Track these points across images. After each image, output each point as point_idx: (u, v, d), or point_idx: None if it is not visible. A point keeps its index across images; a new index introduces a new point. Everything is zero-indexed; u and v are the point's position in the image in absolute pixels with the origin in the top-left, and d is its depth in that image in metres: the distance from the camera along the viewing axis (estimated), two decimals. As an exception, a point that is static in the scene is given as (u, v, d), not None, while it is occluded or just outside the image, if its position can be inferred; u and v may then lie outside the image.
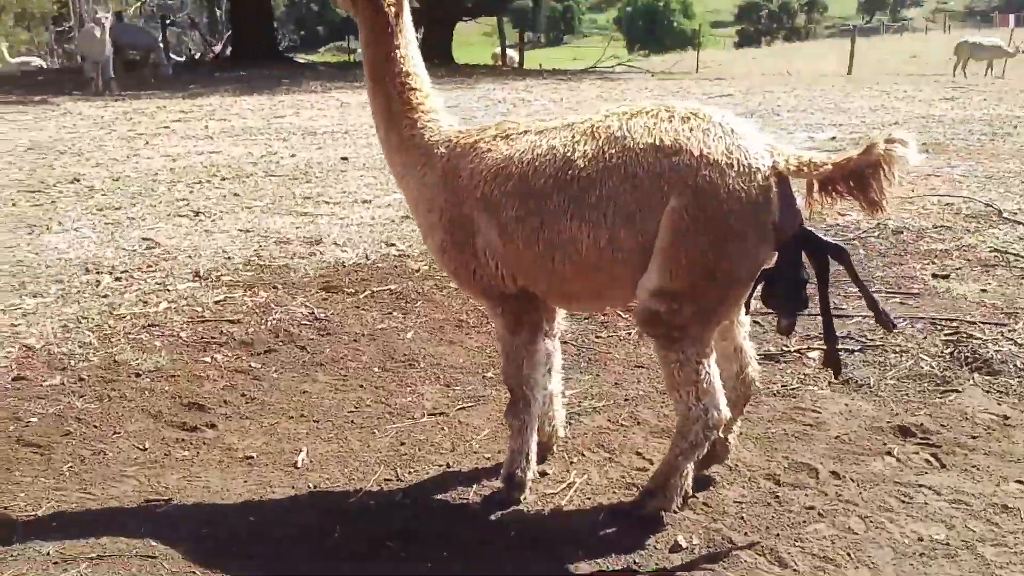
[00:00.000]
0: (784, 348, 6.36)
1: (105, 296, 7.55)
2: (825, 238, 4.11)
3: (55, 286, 7.80)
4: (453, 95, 21.24)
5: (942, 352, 6.31)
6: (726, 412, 4.36)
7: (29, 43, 60.51)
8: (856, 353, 6.34)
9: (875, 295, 4.23)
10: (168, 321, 7.03)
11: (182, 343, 6.66)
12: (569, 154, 4.18)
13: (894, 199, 4.00)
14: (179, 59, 37.80)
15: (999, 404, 5.62)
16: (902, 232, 9.13)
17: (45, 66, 41.35)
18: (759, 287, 4.11)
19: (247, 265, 8.35)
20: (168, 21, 57.25)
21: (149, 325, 6.95)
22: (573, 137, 4.24)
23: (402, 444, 5.31)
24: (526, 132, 4.45)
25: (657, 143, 4.01)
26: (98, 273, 8.14)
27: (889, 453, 5.10)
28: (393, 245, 8.94)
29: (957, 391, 5.78)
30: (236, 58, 34.91)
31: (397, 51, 4.60)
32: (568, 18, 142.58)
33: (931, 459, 5.04)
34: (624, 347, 6.62)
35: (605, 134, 4.16)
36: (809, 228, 4.06)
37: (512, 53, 44.52)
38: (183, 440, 5.36)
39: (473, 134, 4.58)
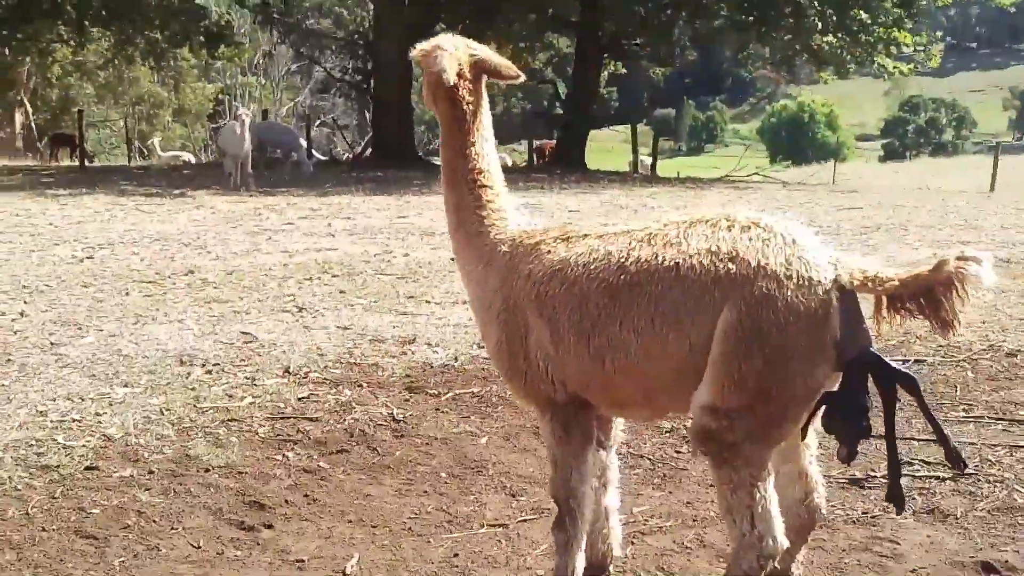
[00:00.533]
0: (870, 473, 6.05)
1: (193, 389, 7.62)
2: (893, 364, 3.89)
3: (146, 377, 7.91)
4: (576, 199, 21.35)
5: (1039, 484, 5.95)
6: (783, 541, 4.07)
7: (185, 138, 63.06)
8: (947, 482, 6.01)
9: (946, 430, 3.97)
10: (248, 416, 7.05)
11: (257, 440, 6.66)
12: (623, 259, 4.08)
13: (968, 318, 3.74)
14: (322, 158, 38.77)
15: (1095, 543, 5.25)
16: (1016, 355, 8.72)
17: (195, 161, 42.84)
18: (820, 410, 3.92)
19: (337, 362, 8.37)
20: (318, 122, 59.14)
21: (229, 420, 6.97)
22: (630, 243, 4.13)
23: (455, 555, 5.16)
24: (587, 236, 4.37)
25: (713, 249, 3.90)
26: (191, 365, 8.24)
27: (967, 591, 4.78)
28: (483, 347, 8.86)
29: (1049, 527, 5.42)
30: (376, 159, 35.70)
31: (472, 148, 4.63)
32: (710, 128, 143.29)
33: (1013, 599, 4.71)
34: (703, 464, 6.38)
35: (662, 240, 4.05)
36: (876, 352, 3.83)
37: (646, 160, 44.68)
38: (238, 540, 5.31)
39: (536, 235, 4.52)
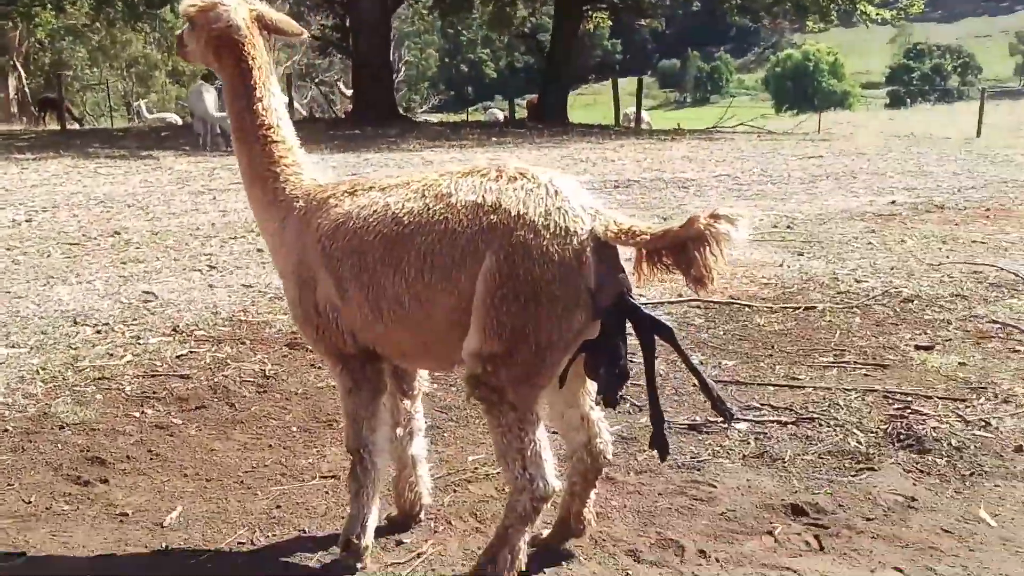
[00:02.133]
0: (710, 419, 6.10)
1: (75, 348, 7.69)
2: (651, 312, 3.96)
3: (36, 337, 7.98)
4: (537, 153, 21.31)
5: (877, 428, 5.99)
6: (555, 483, 4.16)
7: (184, 99, 62.92)
8: (789, 426, 6.06)
9: (710, 380, 4.05)
10: (121, 375, 7.11)
11: (122, 397, 6.73)
12: (398, 211, 4.16)
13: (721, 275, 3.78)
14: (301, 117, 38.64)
15: (914, 484, 5.29)
16: (913, 300, 8.75)
17: (180, 123, 42.74)
18: (579, 356, 3.98)
19: (228, 320, 8.42)
20: (316, 80, 58.95)
21: (100, 379, 7.04)
22: (407, 195, 4.21)
23: (278, 507, 5.23)
24: (371, 188, 4.43)
25: (479, 201, 3.99)
26: (83, 325, 8.30)
27: (770, 533, 4.83)
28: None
29: (874, 469, 5.46)
30: (356, 117, 35.57)
31: (259, 103, 4.66)
32: (715, 78, 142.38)
33: (812, 540, 4.76)
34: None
35: (434, 192, 4.13)
36: (632, 300, 3.92)
37: (644, 114, 44.29)
38: (70, 495, 5.39)
39: (328, 189, 4.57)
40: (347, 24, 38.50)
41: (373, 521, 4.63)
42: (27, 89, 53.25)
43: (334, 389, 6.74)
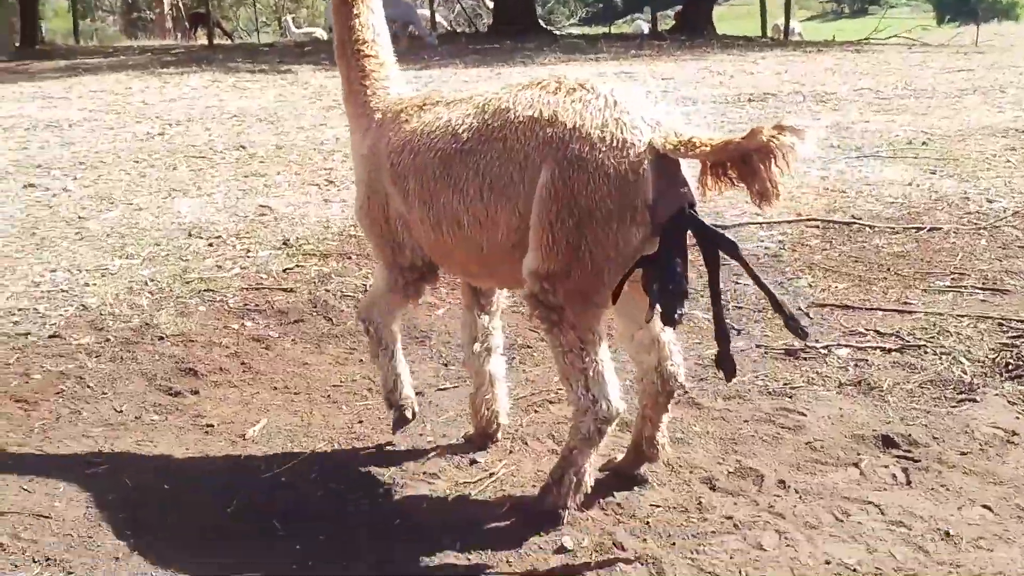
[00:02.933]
0: (809, 344, 5.87)
1: (186, 260, 7.81)
2: (712, 227, 3.79)
3: (149, 249, 8.12)
4: (673, 66, 20.82)
5: (986, 357, 5.68)
6: (619, 404, 4.06)
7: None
8: (892, 353, 5.80)
9: (782, 298, 3.82)
10: (226, 287, 7.19)
11: (224, 309, 6.81)
12: (458, 127, 4.14)
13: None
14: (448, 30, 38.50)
15: (1016, 419, 5.00)
16: (1046, 221, 8.29)
17: (325, 38, 43.01)
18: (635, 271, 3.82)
19: (338, 235, 8.43)
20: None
21: (205, 290, 7.13)
22: (467, 110, 4.17)
23: (360, 422, 5.25)
24: (437, 103, 4.44)
25: (536, 115, 3.90)
26: (197, 237, 8.42)
27: (856, 464, 4.64)
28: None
29: (975, 401, 5.19)
30: (496, 29, 35.27)
31: (357, 19, 4.71)
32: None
33: (900, 474, 4.56)
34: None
35: (494, 107, 4.06)
36: (694, 215, 3.75)
37: (794, 25, 42.87)
38: (160, 405, 5.48)
39: (403, 103, 4.56)
40: (490, -65, 38.02)
41: (403, 378, 4.89)
42: (181, 4, 54.15)
43: (431, 306, 6.77)
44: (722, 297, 3.88)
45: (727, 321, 3.96)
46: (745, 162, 3.56)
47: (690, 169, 3.81)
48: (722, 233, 3.80)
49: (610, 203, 3.74)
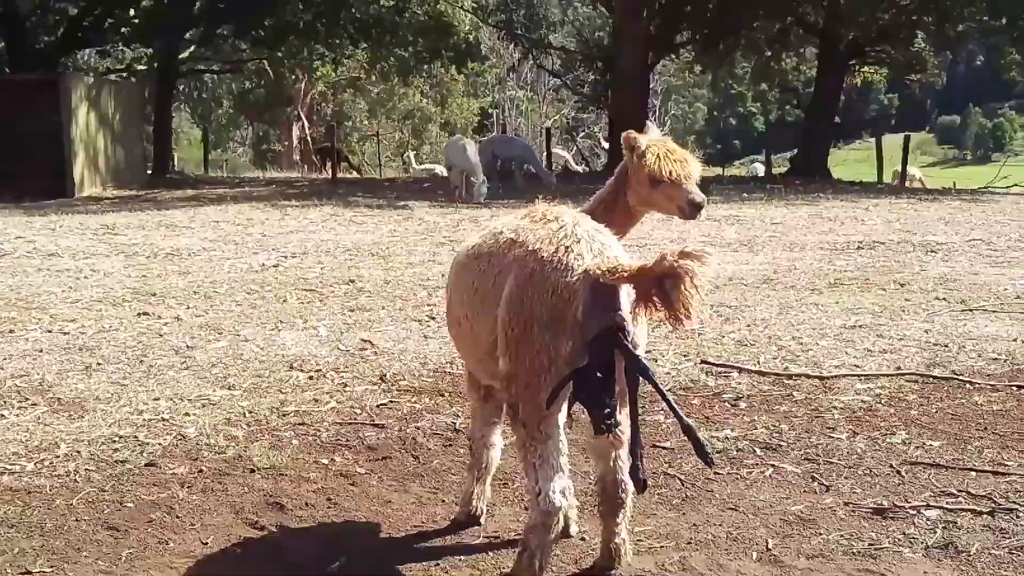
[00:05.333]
0: (897, 504, 5.74)
1: (285, 393, 7.98)
2: (631, 350, 4.24)
3: (251, 380, 8.33)
4: (784, 211, 20.88)
5: (1082, 522, 5.49)
6: (559, 501, 4.46)
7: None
8: (983, 516, 5.63)
9: (689, 422, 4.30)
10: (320, 421, 7.33)
11: (317, 443, 6.93)
12: (472, 247, 5.07)
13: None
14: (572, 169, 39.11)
15: (1109, 589, 4.82)
16: None
17: (445, 174, 43.93)
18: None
19: (434, 372, 8.56)
20: (582, 134, 59.53)
21: (299, 424, 7.27)
22: (486, 234, 5.03)
23: (437, 564, 5.25)
24: (484, 229, 5.26)
25: (514, 238, 4.66)
26: (298, 370, 8.62)
27: (939, 633, 4.50)
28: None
29: (1069, 570, 5.01)
30: (610, 169, 35.68)
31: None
32: (997, 135, 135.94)
33: (982, 643, 4.41)
34: (729, 488, 6.23)
35: (496, 231, 4.91)
36: (620, 337, 4.22)
37: (914, 171, 42.57)
38: (245, 539, 5.56)
39: None
40: (607, 78, 38.77)
41: (480, 493, 5.62)
42: (309, 138, 56.00)
43: (513, 447, 6.74)
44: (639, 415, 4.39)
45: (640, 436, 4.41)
46: (659, 288, 4.04)
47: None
48: (638, 357, 4.25)
49: (547, 315, 4.33)
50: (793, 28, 37.07)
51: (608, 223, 4.99)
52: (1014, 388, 7.85)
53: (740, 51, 39.60)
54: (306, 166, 49.30)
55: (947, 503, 5.79)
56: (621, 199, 5.65)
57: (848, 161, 60.56)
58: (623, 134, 5.70)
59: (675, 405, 4.27)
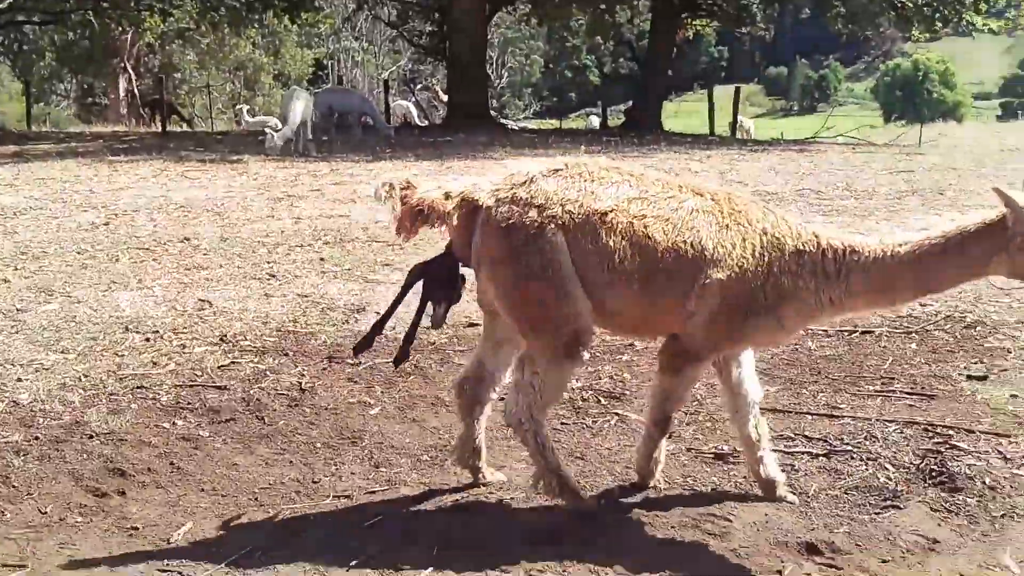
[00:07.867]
0: (737, 449, 5.93)
1: (121, 356, 7.79)
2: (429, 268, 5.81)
3: (85, 343, 8.10)
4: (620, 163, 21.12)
5: (911, 463, 5.77)
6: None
7: (286, 103, 63.63)
8: (819, 458, 5.88)
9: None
10: (159, 384, 7.18)
11: (156, 407, 6.79)
12: None
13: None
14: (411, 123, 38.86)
15: (939, 525, 5.08)
16: (976, 326, 8.46)
17: (280, 127, 43.15)
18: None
19: (276, 331, 8.46)
20: (420, 86, 59.13)
21: (138, 387, 7.11)
22: None
23: (286, 526, 5.22)
24: None
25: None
26: (134, 332, 8.41)
27: (779, 572, 4.68)
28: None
29: (899, 508, 5.25)
30: (450, 123, 35.62)
31: None
32: (823, 87, 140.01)
33: (821, 582, 4.61)
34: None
35: None
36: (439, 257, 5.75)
37: (746, 122, 43.57)
38: (85, 506, 5.44)
39: None
40: (443, 29, 38.60)
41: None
42: (136, 91, 54.23)
43: (366, 405, 6.82)
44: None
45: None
46: None
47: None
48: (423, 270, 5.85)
49: None
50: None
51: (936, 273, 5.00)
52: (845, 333, 8.17)
53: (575, 3, 39.81)
54: (134, 120, 47.75)
55: (785, 447, 6.02)
56: (977, 255, 4.91)
57: (680, 113, 61.63)
58: (994, 189, 4.79)
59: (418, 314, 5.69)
